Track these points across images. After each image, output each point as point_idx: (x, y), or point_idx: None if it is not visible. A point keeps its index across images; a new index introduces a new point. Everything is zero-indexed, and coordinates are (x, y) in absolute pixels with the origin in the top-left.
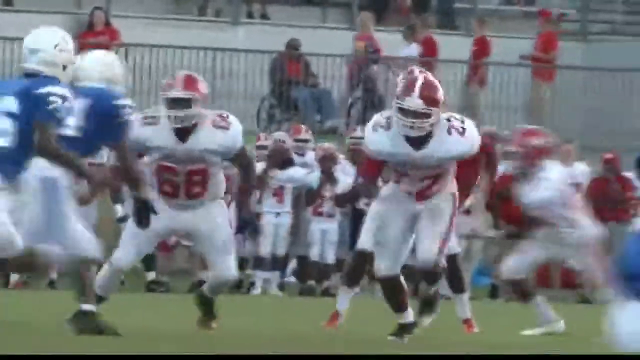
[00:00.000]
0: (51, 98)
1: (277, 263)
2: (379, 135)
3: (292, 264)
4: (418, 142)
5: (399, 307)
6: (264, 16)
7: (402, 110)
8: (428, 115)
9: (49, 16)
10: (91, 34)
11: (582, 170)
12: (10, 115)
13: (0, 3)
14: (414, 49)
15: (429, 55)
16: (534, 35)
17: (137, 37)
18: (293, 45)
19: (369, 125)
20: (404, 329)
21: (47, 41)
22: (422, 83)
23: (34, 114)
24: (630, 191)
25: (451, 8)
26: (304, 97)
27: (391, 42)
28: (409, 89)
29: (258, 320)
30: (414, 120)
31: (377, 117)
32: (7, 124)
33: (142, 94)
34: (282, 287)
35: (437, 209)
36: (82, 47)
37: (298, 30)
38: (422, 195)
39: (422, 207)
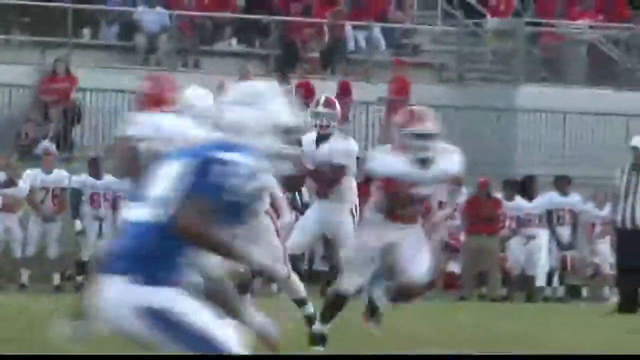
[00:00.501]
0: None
1: None
2: (394, 158)
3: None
4: (426, 164)
5: (328, 320)
6: (196, 65)
7: (419, 135)
8: (435, 137)
9: (19, 66)
10: (54, 81)
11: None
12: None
13: None
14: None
15: (306, 96)
16: (415, 82)
17: (93, 83)
18: (220, 89)
19: (383, 152)
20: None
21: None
22: (421, 112)
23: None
24: (499, 209)
25: (346, 58)
26: None
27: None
28: (416, 118)
29: None
30: (428, 143)
31: (383, 147)
32: None
33: (97, 129)
34: None
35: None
36: (46, 92)
37: (224, 77)
38: (409, 219)
39: (402, 232)
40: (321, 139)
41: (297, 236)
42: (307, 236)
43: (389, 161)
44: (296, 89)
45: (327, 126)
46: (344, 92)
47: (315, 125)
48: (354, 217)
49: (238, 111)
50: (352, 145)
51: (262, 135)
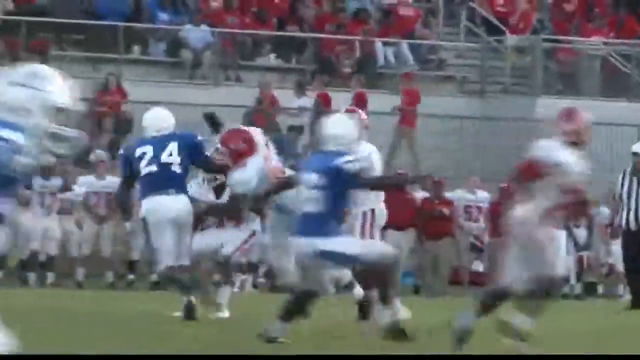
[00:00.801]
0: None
1: (252, 267)
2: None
3: (263, 268)
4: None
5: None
6: (238, 79)
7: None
8: None
9: (73, 80)
10: (106, 94)
11: (484, 196)
12: (316, 187)
13: None
14: (305, 101)
15: (324, 107)
16: (440, 95)
17: (142, 96)
18: (260, 101)
19: (566, 153)
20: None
21: (345, 126)
22: None
23: (340, 185)
24: None
25: (375, 72)
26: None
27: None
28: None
29: (239, 312)
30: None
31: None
32: (315, 195)
33: None
34: (255, 285)
35: None
36: (99, 104)
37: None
38: None
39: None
40: None
41: None
42: None
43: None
44: (316, 100)
45: None
46: (359, 102)
47: None
48: (365, 220)
49: (14, 91)
50: (361, 152)
51: (36, 115)
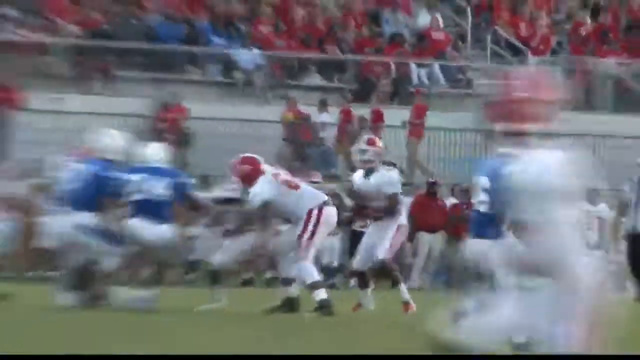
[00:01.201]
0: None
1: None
2: None
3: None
4: None
5: None
6: (285, 98)
7: None
8: None
9: (138, 99)
10: (167, 111)
11: None
12: (485, 190)
13: (100, 88)
14: (326, 117)
15: (346, 122)
16: (468, 110)
17: (200, 113)
18: (305, 118)
19: None
20: None
21: None
22: None
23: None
24: None
25: (409, 91)
26: (314, 153)
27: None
28: None
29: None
30: None
31: None
32: (484, 197)
33: (205, 151)
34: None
35: None
36: (161, 121)
37: (308, 107)
38: None
39: None
40: (368, 172)
41: (359, 255)
42: (366, 253)
43: None
44: (339, 116)
45: (372, 161)
46: (376, 119)
47: (362, 161)
48: (398, 232)
49: None
50: (396, 175)
51: None
